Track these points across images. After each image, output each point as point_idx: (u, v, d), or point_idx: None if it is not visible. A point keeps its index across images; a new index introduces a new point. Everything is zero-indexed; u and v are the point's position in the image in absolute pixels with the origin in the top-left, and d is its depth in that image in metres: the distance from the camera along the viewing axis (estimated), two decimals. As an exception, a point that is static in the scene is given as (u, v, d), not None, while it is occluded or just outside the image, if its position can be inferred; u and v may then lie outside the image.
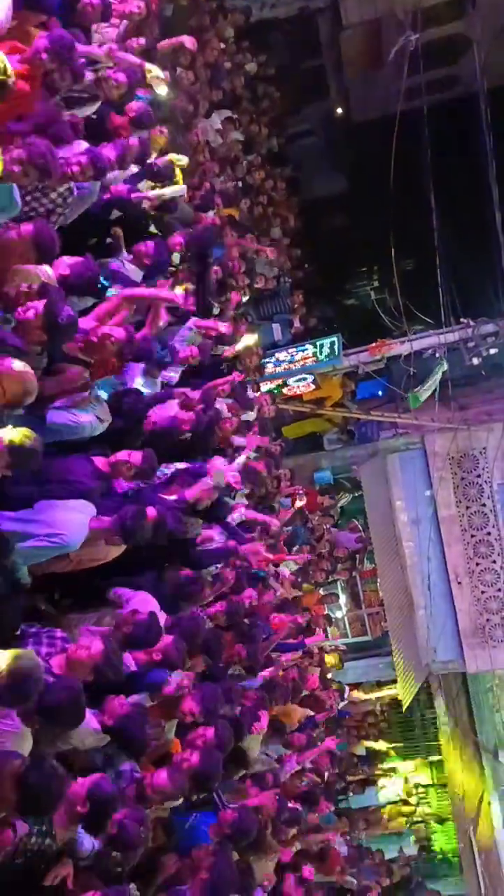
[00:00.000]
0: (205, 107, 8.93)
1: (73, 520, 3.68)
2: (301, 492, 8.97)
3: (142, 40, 5.83)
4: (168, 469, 5.18)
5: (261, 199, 11.08)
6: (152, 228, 5.82)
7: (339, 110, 15.00)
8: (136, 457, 4.06)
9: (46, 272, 3.68)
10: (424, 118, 10.42)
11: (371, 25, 13.02)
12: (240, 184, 10.18)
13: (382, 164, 10.70)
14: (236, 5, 11.26)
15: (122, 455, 4.08)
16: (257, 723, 5.27)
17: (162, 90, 5.74)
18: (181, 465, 5.27)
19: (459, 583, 10.83)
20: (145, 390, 4.96)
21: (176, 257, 6.23)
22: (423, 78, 11.18)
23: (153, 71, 5.45)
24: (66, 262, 3.90)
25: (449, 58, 13.41)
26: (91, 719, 3.47)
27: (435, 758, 12.32)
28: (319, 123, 15.00)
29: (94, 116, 4.84)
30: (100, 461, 4.08)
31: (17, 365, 3.13)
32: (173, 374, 5.72)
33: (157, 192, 5.55)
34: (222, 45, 9.94)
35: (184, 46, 6.79)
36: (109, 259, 5.01)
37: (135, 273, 5.12)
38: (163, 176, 5.64)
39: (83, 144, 4.17)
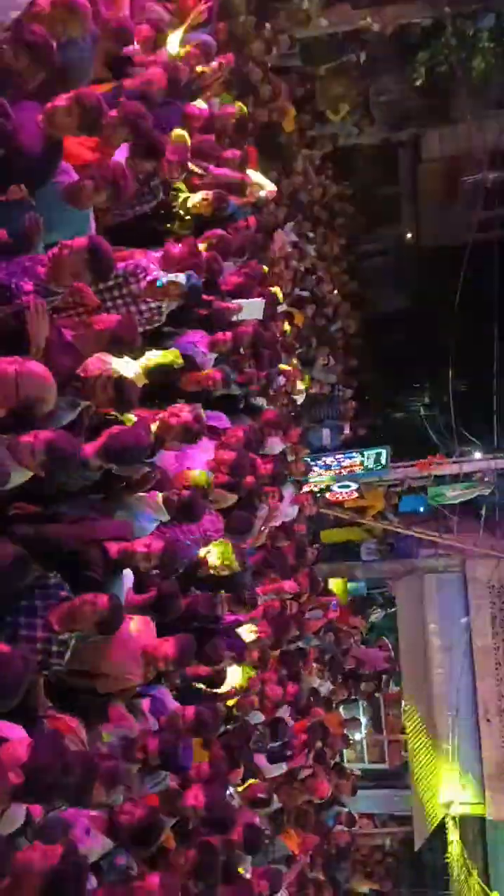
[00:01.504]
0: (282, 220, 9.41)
1: None
2: (335, 603, 8.79)
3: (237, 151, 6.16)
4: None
5: (325, 311, 11.44)
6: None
7: (410, 235, 15.62)
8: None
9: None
10: (492, 250, 10.79)
11: (450, 161, 13.70)
12: (308, 293, 10.57)
13: (446, 288, 11.05)
14: (324, 132, 12.00)
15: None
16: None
17: (263, 192, 6.01)
18: None
19: (489, 720, 10.33)
20: None
21: None
22: (492, 214, 11.69)
23: (253, 177, 5.69)
24: None
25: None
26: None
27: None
28: (390, 245, 15.61)
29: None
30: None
31: (39, 368, 2.96)
32: None
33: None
34: (308, 168, 10.57)
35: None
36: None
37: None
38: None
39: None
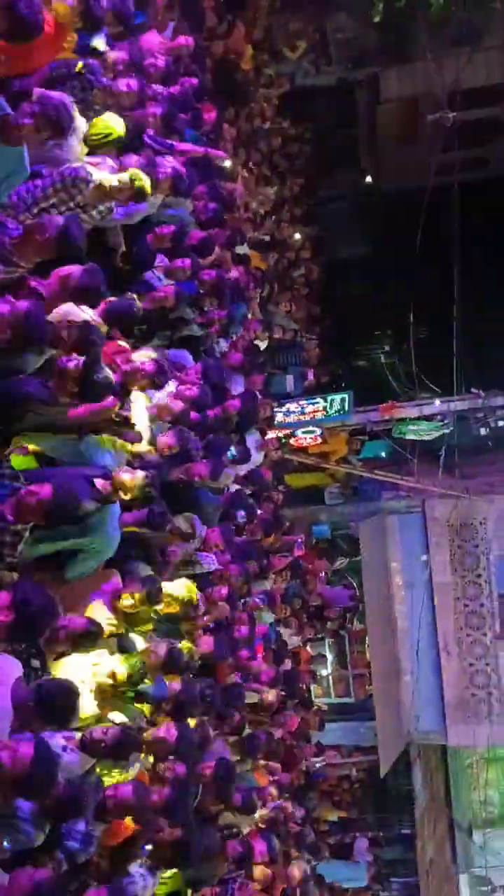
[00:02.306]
0: (241, 162, 9.26)
1: None
2: (300, 541, 8.97)
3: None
4: None
5: (287, 255, 11.37)
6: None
7: (369, 179, 15.48)
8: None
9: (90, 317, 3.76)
10: (453, 194, 10.76)
11: (408, 102, 13.53)
12: (268, 238, 10.47)
13: (407, 234, 11.03)
14: (281, 71, 11.73)
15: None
16: None
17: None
18: None
19: (448, 653, 10.73)
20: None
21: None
22: (453, 156, 11.61)
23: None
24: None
25: (480, 140, 13.89)
26: None
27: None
28: (349, 190, 15.45)
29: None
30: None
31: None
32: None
33: None
34: (265, 107, 10.37)
35: None
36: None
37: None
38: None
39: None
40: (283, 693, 7.25)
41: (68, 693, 3.10)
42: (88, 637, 3.44)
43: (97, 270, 3.72)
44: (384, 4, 10.67)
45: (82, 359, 3.57)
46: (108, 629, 3.89)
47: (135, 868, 3.86)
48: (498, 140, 13.32)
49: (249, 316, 8.18)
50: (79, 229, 3.62)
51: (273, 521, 7.74)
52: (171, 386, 4.93)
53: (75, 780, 3.18)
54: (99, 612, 3.91)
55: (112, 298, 4.24)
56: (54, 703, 3.04)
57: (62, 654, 3.46)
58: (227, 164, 6.87)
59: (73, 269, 3.65)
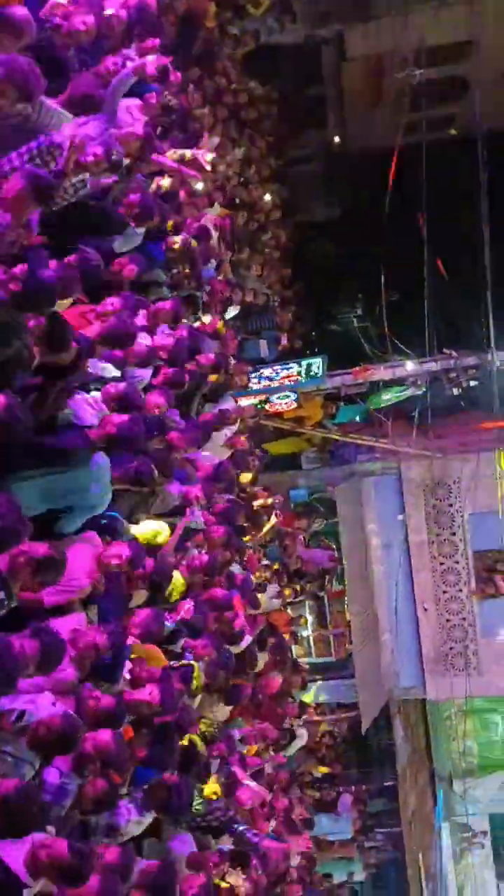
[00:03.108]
0: (209, 123, 9.10)
1: None
2: (277, 501, 9.04)
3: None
4: None
5: (256, 216, 11.24)
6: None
7: (337, 139, 15.31)
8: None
9: None
10: (421, 153, 10.70)
11: (374, 60, 13.36)
12: (237, 200, 10.34)
13: (376, 196, 10.97)
14: (246, 28, 11.48)
15: None
16: None
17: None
18: None
19: (426, 609, 10.94)
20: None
21: None
22: (421, 115, 11.53)
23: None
24: None
25: (447, 98, 13.79)
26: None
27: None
28: (317, 150, 15.28)
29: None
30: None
31: None
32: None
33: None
34: (230, 66, 10.16)
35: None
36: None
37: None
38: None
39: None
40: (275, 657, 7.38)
41: None
42: (51, 565, 3.31)
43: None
44: (349, -42, 10.47)
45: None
46: (87, 586, 3.90)
47: (123, 802, 3.93)
48: (464, 98, 13.23)
49: (220, 277, 8.11)
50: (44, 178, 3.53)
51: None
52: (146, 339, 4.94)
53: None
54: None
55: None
56: None
57: (25, 587, 3.36)
58: (200, 186, 6.69)
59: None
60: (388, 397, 10.60)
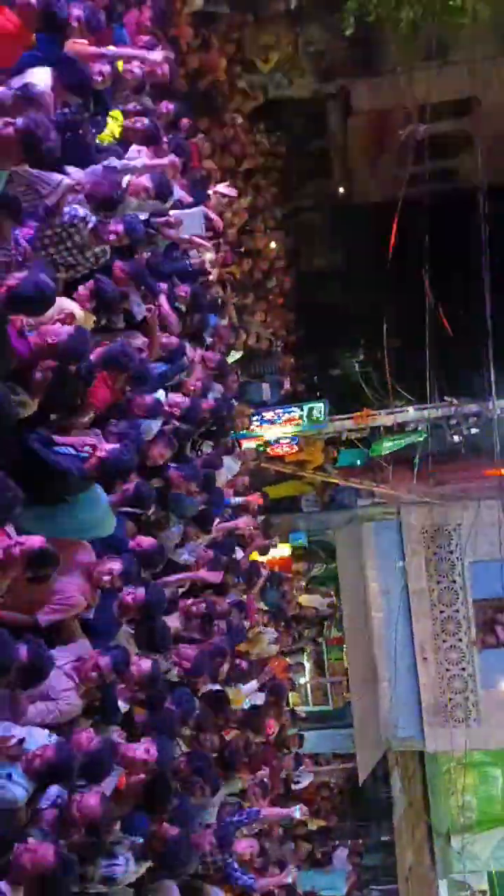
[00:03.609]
0: (217, 175, 9.32)
1: None
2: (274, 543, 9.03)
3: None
4: None
5: (260, 265, 11.44)
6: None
7: (342, 190, 15.66)
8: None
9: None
10: (423, 205, 10.94)
11: (378, 115, 13.73)
12: (242, 247, 10.55)
13: (379, 245, 11.18)
14: (254, 81, 11.85)
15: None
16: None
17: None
18: None
19: (425, 658, 10.80)
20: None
21: None
22: (424, 168, 11.80)
23: None
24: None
25: (450, 152, 14.13)
26: None
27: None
28: (321, 201, 15.62)
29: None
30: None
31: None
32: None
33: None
34: (239, 120, 10.46)
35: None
36: None
37: None
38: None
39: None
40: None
41: None
42: (44, 559, 3.28)
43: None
44: (355, 18, 10.83)
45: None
46: (81, 602, 3.87)
47: (121, 851, 3.85)
48: (467, 152, 13.55)
49: (224, 322, 8.21)
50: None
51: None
52: None
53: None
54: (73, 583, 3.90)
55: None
56: None
57: (15, 579, 3.32)
58: (209, 255, 6.79)
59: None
60: (389, 444, 10.65)
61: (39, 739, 3.35)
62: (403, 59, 12.27)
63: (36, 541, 3.25)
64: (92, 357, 3.94)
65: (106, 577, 3.97)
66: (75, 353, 3.59)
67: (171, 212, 5.52)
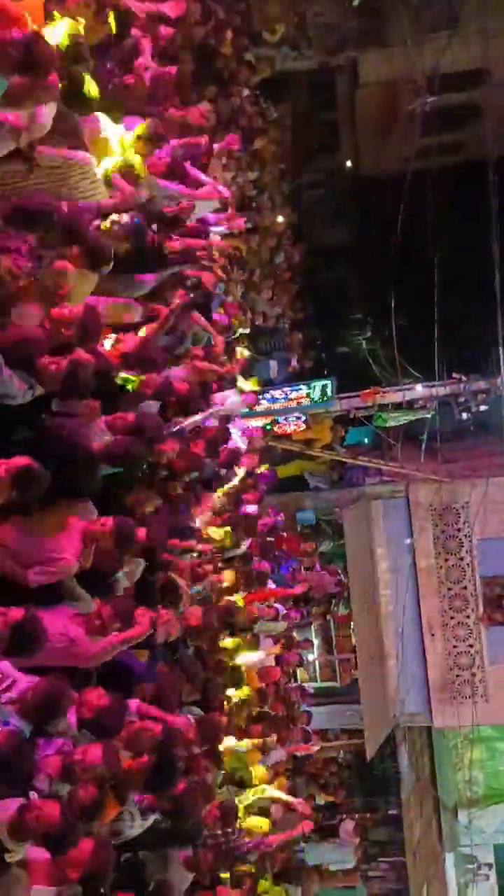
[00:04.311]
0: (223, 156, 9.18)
1: None
2: (279, 520, 9.02)
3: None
4: None
5: (268, 242, 11.33)
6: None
7: (349, 164, 15.46)
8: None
9: None
10: (432, 179, 10.78)
11: (387, 86, 13.52)
12: (249, 224, 10.41)
13: (386, 220, 11.04)
14: (261, 54, 11.65)
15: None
16: None
17: None
18: None
19: (433, 635, 10.82)
20: None
21: None
22: (432, 140, 11.63)
23: None
24: None
25: (458, 124, 13.91)
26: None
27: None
28: (329, 175, 15.43)
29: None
30: None
31: None
32: None
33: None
34: (246, 92, 10.29)
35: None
36: None
37: None
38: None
39: None
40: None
41: None
42: (30, 477, 3.21)
43: None
44: (363, -12, 10.65)
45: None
46: (73, 566, 3.82)
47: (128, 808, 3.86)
48: (475, 124, 13.34)
49: (229, 299, 8.13)
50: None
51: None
52: None
53: None
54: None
55: None
56: None
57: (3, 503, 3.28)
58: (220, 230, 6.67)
59: None
60: (395, 415, 10.57)
61: (25, 679, 3.29)
62: (413, 30, 12.05)
63: (21, 461, 3.18)
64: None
65: (99, 532, 3.80)
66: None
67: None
